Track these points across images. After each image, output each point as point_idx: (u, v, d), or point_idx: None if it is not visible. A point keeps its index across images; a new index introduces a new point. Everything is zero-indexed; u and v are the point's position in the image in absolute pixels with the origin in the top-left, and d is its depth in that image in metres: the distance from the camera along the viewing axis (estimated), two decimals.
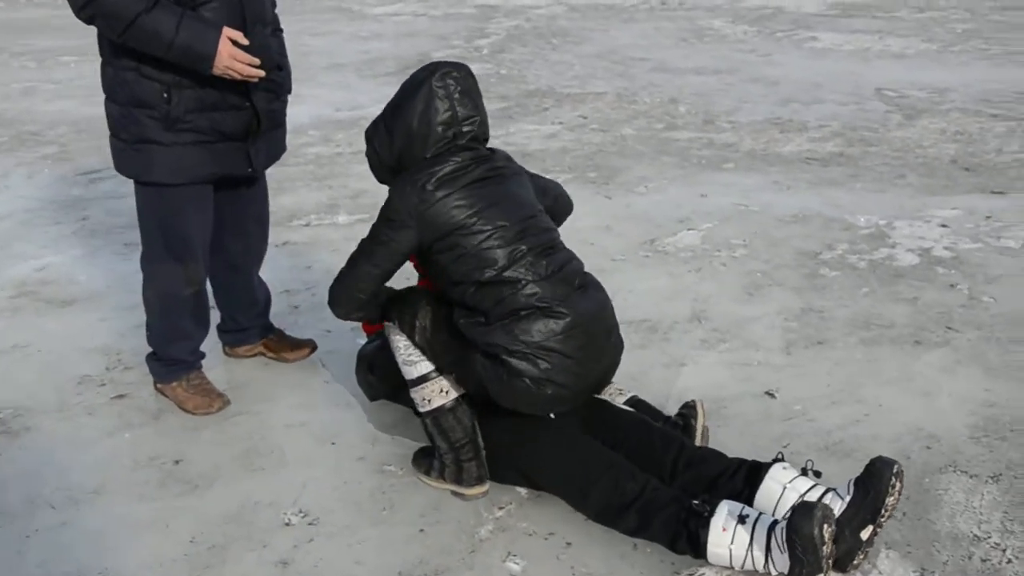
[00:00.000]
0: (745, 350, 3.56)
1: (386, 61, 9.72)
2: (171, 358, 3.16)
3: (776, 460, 2.53)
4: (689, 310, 3.88)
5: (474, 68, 2.89)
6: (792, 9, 13.53)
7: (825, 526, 2.15)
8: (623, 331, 2.78)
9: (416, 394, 2.68)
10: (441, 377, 2.66)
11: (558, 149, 6.32)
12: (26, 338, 3.71)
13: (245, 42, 2.67)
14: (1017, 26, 11.67)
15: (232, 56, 2.64)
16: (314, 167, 6.02)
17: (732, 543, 2.28)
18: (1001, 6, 13.53)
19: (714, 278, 4.17)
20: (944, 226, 4.79)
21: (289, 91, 3.07)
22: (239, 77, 2.69)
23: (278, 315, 3.67)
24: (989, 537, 2.51)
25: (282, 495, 2.73)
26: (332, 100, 7.88)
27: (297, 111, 7.23)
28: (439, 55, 9.81)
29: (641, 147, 6.34)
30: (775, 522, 2.30)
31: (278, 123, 3.04)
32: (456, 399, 2.66)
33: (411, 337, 2.67)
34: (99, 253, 4.59)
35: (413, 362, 2.67)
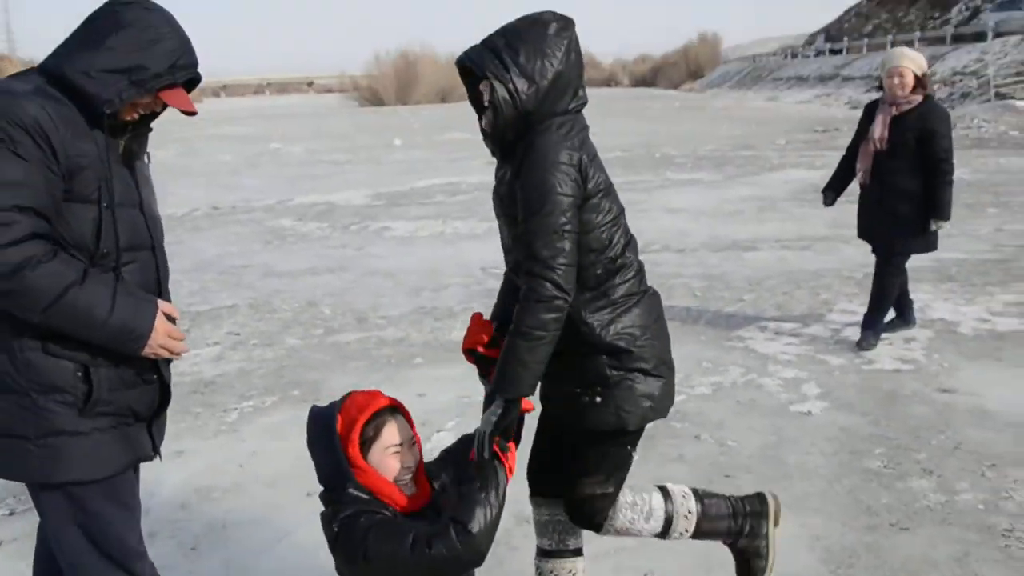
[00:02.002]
0: None
1: None
2: None
3: None
4: None
5: None
6: (343, 203, 14.08)
7: None
8: None
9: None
10: None
11: (238, 372, 5.89)
12: None
13: (177, 315, 2.29)
14: None
15: (167, 334, 2.26)
16: None
17: None
18: None
19: None
20: None
21: None
22: (166, 356, 2.27)
23: None
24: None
25: None
26: None
27: None
28: None
29: (320, 355, 6.16)
30: None
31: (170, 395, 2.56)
32: None
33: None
34: None
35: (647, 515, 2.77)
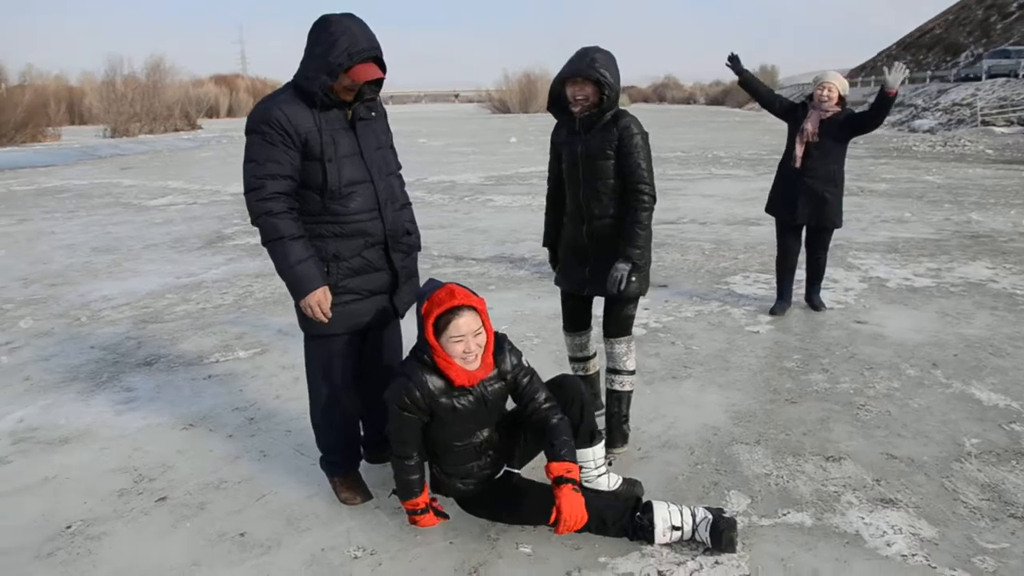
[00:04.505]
0: None
1: (190, 239, 9.30)
2: (333, 461, 3.10)
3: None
4: None
5: None
6: (463, 182, 14.72)
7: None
8: None
9: None
10: None
11: None
12: (49, 471, 3.40)
13: (329, 298, 2.74)
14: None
15: (319, 304, 2.71)
16: (190, 320, 5.79)
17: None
18: None
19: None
20: (646, 308, 5.70)
21: (419, 249, 3.03)
22: (309, 314, 2.74)
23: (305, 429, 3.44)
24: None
25: (338, 538, 2.82)
26: (168, 271, 7.47)
27: (145, 281, 6.89)
28: (229, 231, 9.65)
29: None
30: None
31: (412, 274, 3.01)
32: None
33: None
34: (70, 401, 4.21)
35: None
